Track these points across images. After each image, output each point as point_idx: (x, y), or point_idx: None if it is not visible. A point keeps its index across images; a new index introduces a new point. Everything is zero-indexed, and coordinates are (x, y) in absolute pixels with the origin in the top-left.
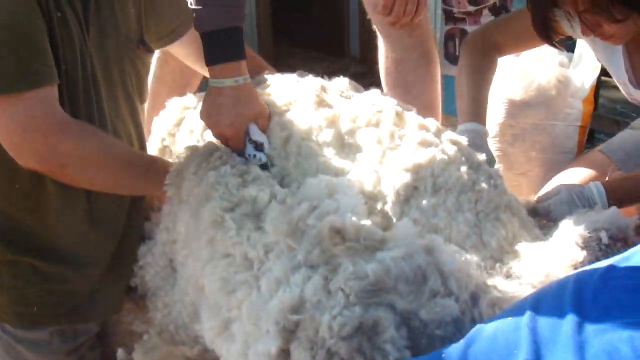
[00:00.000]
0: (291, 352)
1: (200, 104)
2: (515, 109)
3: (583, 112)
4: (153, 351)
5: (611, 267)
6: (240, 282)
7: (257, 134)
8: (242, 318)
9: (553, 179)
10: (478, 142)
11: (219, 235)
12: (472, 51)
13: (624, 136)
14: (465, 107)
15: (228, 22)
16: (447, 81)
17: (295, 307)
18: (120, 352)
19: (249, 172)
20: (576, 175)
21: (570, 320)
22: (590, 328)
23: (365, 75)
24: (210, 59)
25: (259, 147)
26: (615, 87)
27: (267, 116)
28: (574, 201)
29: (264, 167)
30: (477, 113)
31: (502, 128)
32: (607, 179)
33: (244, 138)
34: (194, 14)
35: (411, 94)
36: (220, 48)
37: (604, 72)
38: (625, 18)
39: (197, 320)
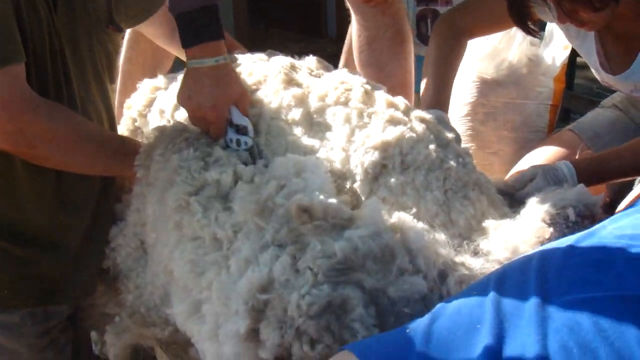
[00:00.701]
0: (260, 331)
1: (172, 84)
2: (487, 87)
3: (554, 90)
4: (124, 333)
5: (575, 243)
6: (210, 263)
7: (239, 117)
8: (212, 299)
9: (524, 157)
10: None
11: (186, 220)
12: (441, 35)
13: (594, 115)
14: (429, 93)
15: (204, 0)
16: (420, 61)
17: (264, 287)
18: (94, 335)
19: (211, 154)
20: (546, 154)
21: (533, 295)
22: (553, 303)
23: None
24: (188, 40)
25: (241, 130)
26: None
27: (248, 98)
28: (549, 183)
29: (251, 151)
30: (441, 100)
31: (473, 107)
32: (577, 157)
33: (226, 121)
34: None
35: (384, 72)
36: (197, 28)
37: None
38: (604, 6)
39: (168, 303)
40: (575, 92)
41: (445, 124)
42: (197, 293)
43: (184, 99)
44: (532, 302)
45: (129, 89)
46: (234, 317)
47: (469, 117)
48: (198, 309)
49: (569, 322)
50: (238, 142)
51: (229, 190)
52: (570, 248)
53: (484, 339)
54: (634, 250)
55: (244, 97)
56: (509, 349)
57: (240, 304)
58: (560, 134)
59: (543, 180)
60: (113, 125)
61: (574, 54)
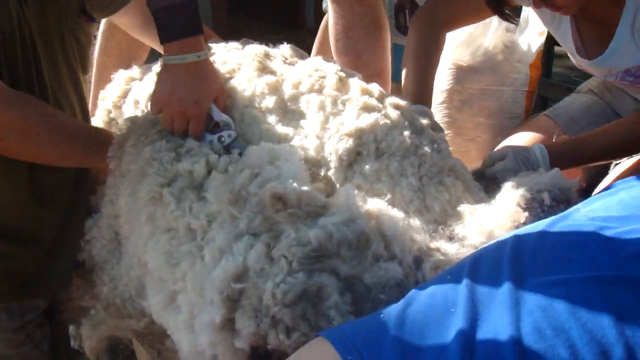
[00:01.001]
0: (236, 320)
1: (147, 75)
2: (463, 74)
3: (530, 77)
4: (100, 325)
5: (549, 226)
6: (184, 253)
7: (219, 114)
8: (187, 289)
9: (500, 144)
10: None
11: (159, 211)
12: (420, 28)
13: (570, 100)
14: (410, 88)
15: None
16: (398, 50)
17: (239, 276)
18: (71, 329)
19: (182, 145)
20: (523, 139)
21: (507, 277)
22: (526, 285)
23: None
24: (167, 36)
25: (223, 127)
26: (569, 56)
27: (225, 94)
28: (520, 167)
29: (235, 142)
30: (423, 95)
31: (449, 94)
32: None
33: (206, 117)
34: None
35: (361, 60)
36: (176, 24)
37: (557, 41)
38: None
39: (143, 295)
40: (553, 81)
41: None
42: (172, 284)
43: (162, 96)
44: (506, 285)
45: (103, 80)
46: (209, 307)
47: (445, 104)
48: (173, 300)
49: (542, 304)
50: (220, 139)
51: (202, 181)
52: (544, 231)
53: (457, 323)
54: (606, 232)
55: (222, 93)
56: (482, 333)
57: (215, 293)
58: (536, 119)
59: (513, 160)
60: (86, 117)
61: (551, 42)
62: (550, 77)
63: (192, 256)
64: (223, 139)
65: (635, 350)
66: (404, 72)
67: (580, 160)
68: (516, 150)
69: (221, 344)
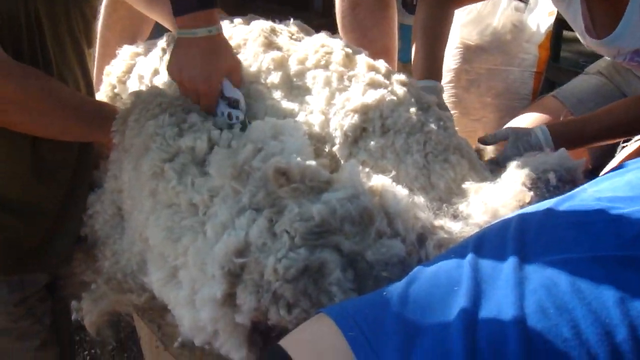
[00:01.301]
0: (237, 296)
1: (152, 50)
2: (471, 53)
3: (538, 57)
4: (101, 299)
5: (555, 206)
6: (186, 229)
7: (231, 90)
8: (189, 264)
9: (507, 124)
10: None
11: (161, 186)
12: (429, 4)
13: (578, 82)
14: (420, 63)
15: None
16: (404, 29)
17: (240, 250)
18: (74, 304)
19: (185, 120)
20: (529, 120)
21: (511, 256)
22: (531, 264)
23: (328, 29)
24: (179, 8)
25: (232, 103)
26: (578, 41)
27: (239, 70)
28: (521, 153)
29: (243, 124)
30: (433, 69)
31: (457, 73)
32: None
33: (218, 94)
34: None
35: (367, 37)
36: None
37: (565, 25)
38: None
39: (145, 270)
40: (560, 65)
41: (439, 95)
42: (173, 260)
43: (174, 71)
44: (510, 264)
45: (107, 56)
46: (211, 282)
47: (452, 84)
48: (174, 275)
49: (546, 283)
50: (229, 116)
51: (204, 157)
52: (550, 210)
53: (460, 301)
54: (613, 212)
55: (237, 69)
56: (486, 311)
57: (217, 268)
58: (543, 100)
59: (513, 147)
60: (91, 91)
61: (560, 26)
62: (558, 62)
63: (194, 231)
64: (232, 116)
65: (639, 331)
66: (413, 48)
67: (584, 140)
68: (518, 132)
69: (222, 319)
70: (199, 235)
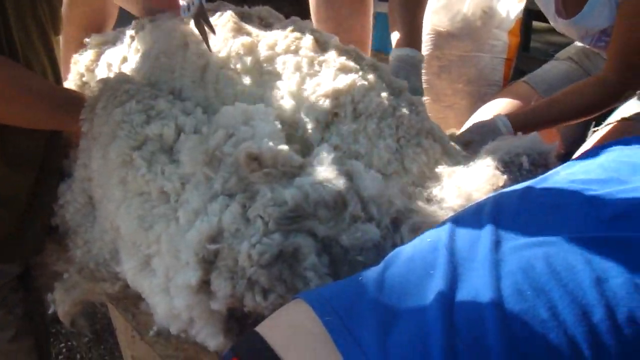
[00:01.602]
0: (211, 282)
1: (121, 38)
2: (441, 40)
3: (509, 44)
4: (74, 289)
5: (529, 188)
6: (158, 216)
7: None
8: (162, 252)
9: (478, 110)
10: (410, 69)
11: (130, 175)
12: None
13: (549, 67)
14: (400, 32)
15: None
16: (378, 18)
17: (214, 237)
18: (49, 296)
19: (153, 107)
20: (501, 106)
21: (487, 239)
22: (506, 246)
23: (299, 17)
24: None
25: None
26: (548, 32)
27: None
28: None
29: (201, 12)
30: (412, 38)
31: (428, 59)
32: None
33: None
34: None
35: (342, 26)
36: None
37: (535, 16)
38: None
39: (117, 259)
40: (531, 55)
41: (416, 68)
42: (146, 248)
43: None
44: (485, 247)
45: (71, 48)
46: (185, 269)
47: (423, 70)
48: (148, 263)
49: (522, 265)
50: (189, 8)
51: (172, 144)
52: (524, 193)
53: (437, 284)
54: (587, 193)
55: None
56: (462, 294)
57: (190, 255)
58: (514, 86)
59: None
60: (58, 79)
61: (529, 17)
62: (528, 52)
63: (166, 219)
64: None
65: (615, 311)
66: (392, 34)
67: (540, 126)
68: (482, 126)
69: (197, 307)
70: (171, 222)
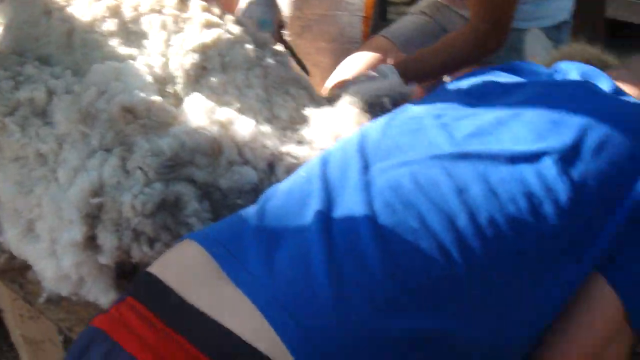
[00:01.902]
0: (97, 236)
1: None
2: (300, 1)
3: (365, 3)
4: None
5: (391, 119)
6: (37, 179)
7: None
8: (44, 214)
9: (341, 64)
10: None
11: (4, 141)
12: None
13: (403, 22)
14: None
15: None
16: None
17: (95, 191)
18: None
19: (20, 73)
20: (362, 59)
21: (356, 164)
22: (374, 169)
23: None
24: None
25: None
26: (403, 4)
27: None
28: None
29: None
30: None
31: (290, 20)
32: (390, 61)
33: None
34: None
35: None
36: None
37: None
38: None
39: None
40: (388, 23)
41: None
42: (28, 213)
43: None
44: (355, 172)
45: None
46: (69, 227)
47: (287, 31)
48: (31, 229)
49: (390, 184)
50: None
51: (44, 107)
52: (386, 124)
53: (314, 207)
54: (442, 120)
55: None
56: (338, 212)
57: (74, 212)
58: (373, 40)
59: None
60: None
61: None
62: (386, 21)
63: (46, 180)
64: None
65: (477, 216)
66: None
67: (423, 77)
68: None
69: (85, 263)
70: (51, 183)
